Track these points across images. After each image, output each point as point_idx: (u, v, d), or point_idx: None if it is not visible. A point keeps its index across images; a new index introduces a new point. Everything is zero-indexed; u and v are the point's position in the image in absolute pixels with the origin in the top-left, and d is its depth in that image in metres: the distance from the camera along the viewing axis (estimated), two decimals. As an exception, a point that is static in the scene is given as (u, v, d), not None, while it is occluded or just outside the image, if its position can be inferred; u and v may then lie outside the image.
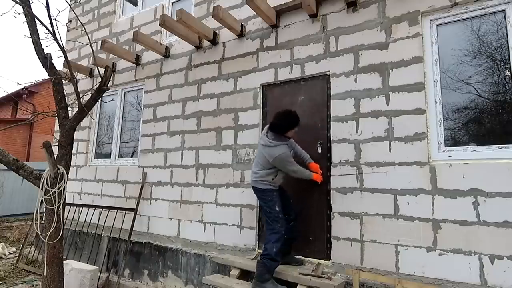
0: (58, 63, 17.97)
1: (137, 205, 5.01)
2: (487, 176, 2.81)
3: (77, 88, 3.61)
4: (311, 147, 3.76)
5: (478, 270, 2.75)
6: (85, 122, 6.10)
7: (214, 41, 4.75)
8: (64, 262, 3.58)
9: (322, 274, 3.22)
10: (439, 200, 2.97)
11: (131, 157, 5.72)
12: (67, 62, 3.63)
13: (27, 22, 3.40)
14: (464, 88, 3.13)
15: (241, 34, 4.51)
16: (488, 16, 3.09)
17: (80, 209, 5.58)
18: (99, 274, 4.62)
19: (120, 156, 5.87)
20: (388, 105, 3.34)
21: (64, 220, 3.47)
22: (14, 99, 14.04)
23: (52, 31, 3.33)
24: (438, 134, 3.13)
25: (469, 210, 2.84)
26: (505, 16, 3.00)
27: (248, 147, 4.21)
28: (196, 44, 4.90)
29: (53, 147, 3.34)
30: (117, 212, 5.16)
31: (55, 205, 3.32)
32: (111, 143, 6.01)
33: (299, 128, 3.67)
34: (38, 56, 3.45)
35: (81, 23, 3.85)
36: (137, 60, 5.70)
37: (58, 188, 3.34)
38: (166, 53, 5.33)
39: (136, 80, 5.75)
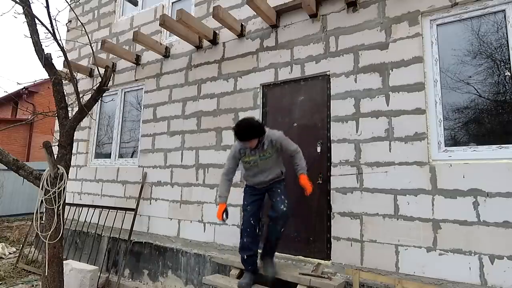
0: (58, 63, 17.98)
1: (137, 205, 5.01)
2: (487, 176, 2.81)
3: (77, 88, 3.61)
4: (311, 147, 3.76)
5: (478, 270, 2.75)
6: (85, 122, 6.10)
7: (214, 41, 4.75)
8: (64, 262, 3.59)
9: (322, 274, 3.22)
10: (439, 200, 2.97)
11: (131, 157, 5.72)
12: (67, 62, 3.63)
13: (27, 22, 3.40)
14: (464, 88, 3.13)
15: (241, 34, 4.51)
16: (488, 16, 3.09)
17: (80, 209, 5.57)
18: (99, 274, 4.62)
19: (120, 156, 5.87)
20: (388, 105, 3.34)
21: (64, 220, 3.48)
22: (14, 99, 14.03)
23: (52, 31, 3.33)
24: (438, 134, 3.13)
25: (469, 210, 2.84)
26: (505, 16, 3.00)
27: (248, 147, 4.21)
28: (196, 44, 4.90)
29: (53, 147, 3.35)
30: (117, 212, 5.16)
31: (55, 205, 3.33)
32: (111, 143, 6.01)
33: (299, 129, 3.67)
34: (38, 56, 3.45)
35: (81, 23, 3.86)
36: (137, 60, 5.70)
37: (58, 188, 3.34)
38: (166, 53, 5.33)
39: (136, 80, 5.75)
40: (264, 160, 3.26)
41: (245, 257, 3.27)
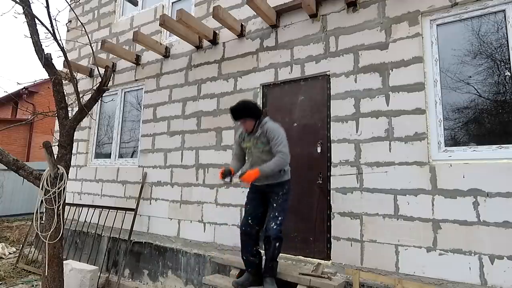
0: (58, 63, 17.96)
1: (137, 205, 5.01)
2: (487, 176, 2.81)
3: (77, 88, 3.61)
4: (311, 147, 3.76)
5: (478, 270, 2.75)
6: (85, 122, 6.10)
7: (214, 41, 4.75)
8: (64, 262, 3.59)
9: (322, 274, 3.22)
10: (439, 200, 2.97)
11: (131, 157, 5.72)
12: (67, 62, 3.63)
13: (27, 22, 3.40)
14: (464, 88, 3.13)
15: (241, 34, 4.51)
16: (488, 16, 3.09)
17: (80, 209, 5.57)
18: (99, 274, 4.62)
19: (120, 156, 5.87)
20: (388, 105, 3.34)
21: (64, 220, 3.48)
22: (14, 99, 13.99)
23: (52, 31, 3.34)
24: (438, 134, 3.13)
25: (469, 210, 2.84)
26: (505, 16, 3.00)
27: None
28: (196, 44, 4.90)
29: (53, 147, 3.34)
30: (117, 212, 5.16)
31: (55, 205, 3.32)
32: (111, 143, 6.01)
33: (299, 129, 3.64)
34: (38, 56, 3.45)
35: (81, 23, 3.86)
36: (137, 60, 5.70)
37: (58, 188, 3.34)
38: (166, 53, 5.33)
39: (136, 80, 5.75)
40: (257, 149, 3.10)
41: (244, 257, 3.22)
